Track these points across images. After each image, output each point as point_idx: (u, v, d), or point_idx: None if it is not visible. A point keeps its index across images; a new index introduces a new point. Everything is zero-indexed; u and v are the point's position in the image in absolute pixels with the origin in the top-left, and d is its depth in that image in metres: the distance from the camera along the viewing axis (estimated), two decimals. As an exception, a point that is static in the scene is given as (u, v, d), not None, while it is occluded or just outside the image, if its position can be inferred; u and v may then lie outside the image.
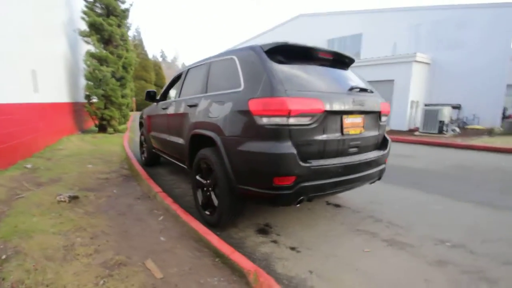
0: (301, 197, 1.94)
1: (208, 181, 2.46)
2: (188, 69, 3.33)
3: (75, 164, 4.64)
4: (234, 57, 2.35)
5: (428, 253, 2.13)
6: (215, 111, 2.29)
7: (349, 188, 2.26)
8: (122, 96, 8.27)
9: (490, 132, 9.70)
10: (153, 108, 4.27)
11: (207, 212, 2.47)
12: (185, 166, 3.13)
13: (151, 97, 4.10)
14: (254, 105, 1.92)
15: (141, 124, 5.15)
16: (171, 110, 3.35)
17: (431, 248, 2.21)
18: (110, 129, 8.41)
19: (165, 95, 4.19)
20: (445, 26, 12.55)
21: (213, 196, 2.40)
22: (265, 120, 1.87)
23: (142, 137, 4.95)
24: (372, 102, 2.37)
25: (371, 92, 2.45)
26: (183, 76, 3.41)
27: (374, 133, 2.45)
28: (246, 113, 1.96)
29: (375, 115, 2.44)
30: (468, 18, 12.01)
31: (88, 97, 7.69)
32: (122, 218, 2.55)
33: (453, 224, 2.65)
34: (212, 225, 2.39)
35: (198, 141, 2.67)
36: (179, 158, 3.26)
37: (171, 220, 2.50)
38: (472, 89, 11.77)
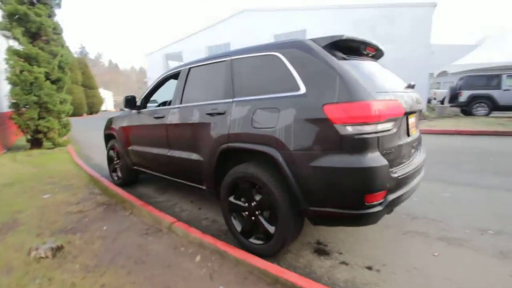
0: (386, 212, 1.73)
1: (252, 204, 2.04)
2: (189, 68, 2.76)
3: (23, 196, 3.54)
4: (278, 54, 1.96)
5: (483, 245, 2.16)
6: (266, 120, 1.88)
7: (409, 196, 2.12)
8: (61, 102, 6.79)
9: (425, 117, 11.18)
10: (132, 116, 3.50)
11: (257, 241, 2.06)
12: (201, 187, 2.60)
13: (130, 103, 3.34)
14: (334, 112, 1.60)
15: (108, 137, 4.24)
16: (173, 120, 2.74)
17: (481, 239, 2.25)
18: (47, 143, 6.86)
19: (146, 101, 3.48)
20: (380, 22, 13.91)
21: (264, 222, 2.00)
22: (350, 129, 1.57)
23: (112, 152, 4.07)
24: (419, 98, 2.28)
25: (413, 87, 2.37)
26: (181, 77, 2.82)
27: (419, 133, 2.38)
28: (322, 121, 1.63)
29: (419, 113, 2.37)
30: (397, 15, 13.54)
31: (15, 105, 6.05)
32: (145, 268, 1.94)
33: (475, 210, 2.80)
34: (264, 256, 2.00)
35: (229, 157, 2.22)
36: (190, 178, 2.70)
37: (214, 259, 2.00)
38: (401, 78, 13.43)
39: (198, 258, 2.02)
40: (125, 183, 3.93)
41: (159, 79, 3.23)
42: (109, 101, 43.41)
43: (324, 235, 2.40)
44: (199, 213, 2.98)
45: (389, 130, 1.69)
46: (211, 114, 2.30)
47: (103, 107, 31.33)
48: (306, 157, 1.69)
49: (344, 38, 1.85)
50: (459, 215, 2.68)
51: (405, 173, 1.81)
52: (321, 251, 2.16)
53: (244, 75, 2.18)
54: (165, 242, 2.29)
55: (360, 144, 1.58)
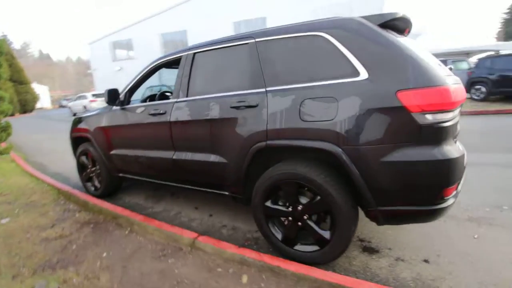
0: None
1: (299, 208, 1.79)
2: (194, 54, 2.32)
3: (-29, 225, 2.74)
4: (324, 34, 1.68)
5: (509, 220, 2.26)
6: (320, 112, 1.61)
7: None
8: (-5, 101, 5.52)
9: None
10: (114, 114, 2.90)
11: (306, 249, 1.83)
12: (221, 193, 2.25)
13: (114, 98, 2.75)
14: (411, 99, 1.40)
15: (76, 140, 3.52)
16: (179, 116, 2.29)
17: (502, 215, 2.36)
18: (-19, 153, 5.58)
19: (131, 95, 2.91)
20: (338, 11, 14.31)
21: (315, 227, 1.77)
22: (430, 118, 1.41)
23: (85, 159, 3.40)
24: None
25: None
26: (184, 65, 2.37)
27: None
28: (396, 110, 1.43)
29: None
30: (354, 3, 14.08)
31: None
32: (184, 301, 1.57)
33: (479, 186, 2.96)
34: (317, 264, 1.79)
35: (265, 157, 1.92)
36: (205, 183, 2.32)
37: (266, 278, 1.70)
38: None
39: (244, 279, 1.71)
40: (106, 194, 3.32)
41: (149, 67, 2.69)
42: (45, 98, 37.97)
43: (361, 230, 2.27)
44: (213, 221, 2.62)
45: (456, 117, 1.57)
46: (237, 108, 1.95)
47: (38, 105, 27.23)
48: (377, 152, 1.49)
49: (398, 16, 1.66)
50: (468, 193, 2.79)
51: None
52: (369, 249, 2.02)
53: (278, 60, 1.86)
54: (194, 263, 1.92)
55: (440, 134, 1.44)
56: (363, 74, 1.54)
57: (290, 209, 1.84)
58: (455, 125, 1.55)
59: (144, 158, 2.66)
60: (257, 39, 1.96)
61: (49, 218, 2.82)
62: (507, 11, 40.77)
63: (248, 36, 2.02)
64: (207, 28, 18.31)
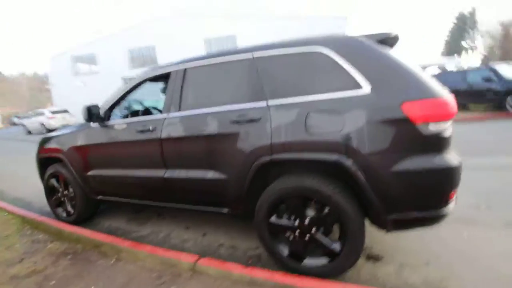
0: None
1: (306, 222, 1.76)
2: (185, 69, 2.25)
3: None
4: (324, 50, 1.73)
5: (488, 219, 2.44)
6: (327, 124, 1.63)
7: None
8: None
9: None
10: (92, 132, 2.67)
11: (316, 262, 1.79)
12: (219, 210, 2.14)
13: (94, 115, 2.54)
14: (414, 110, 1.48)
15: (44, 161, 3.17)
16: (172, 132, 2.16)
17: (481, 214, 2.55)
18: None
19: (110, 112, 2.71)
20: (301, 31, 15.14)
21: (324, 239, 1.75)
22: (432, 128, 1.49)
23: (55, 181, 3.07)
24: None
25: None
26: (174, 80, 2.28)
27: None
28: (401, 121, 1.50)
29: None
30: (316, 25, 14.98)
31: None
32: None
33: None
34: (327, 276, 1.76)
35: (267, 171, 1.88)
36: (202, 201, 2.20)
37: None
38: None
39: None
40: (80, 219, 3.00)
41: (135, 83, 2.55)
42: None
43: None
44: (208, 241, 2.48)
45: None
46: (237, 122, 1.90)
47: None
48: (386, 162, 1.53)
49: (392, 36, 1.78)
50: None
51: None
52: (373, 256, 2.04)
53: (278, 74, 1.87)
54: (200, 289, 1.77)
55: (442, 142, 1.53)
56: (366, 87, 1.60)
57: (296, 223, 1.81)
58: (451, 134, 1.66)
59: (129, 178, 2.47)
60: (255, 54, 1.96)
61: (16, 252, 2.46)
62: (452, 27, 45.99)
63: (245, 50, 2.01)
64: (176, 44, 18.14)
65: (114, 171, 2.57)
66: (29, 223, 3.03)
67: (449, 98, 1.53)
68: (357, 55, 1.66)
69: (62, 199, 3.08)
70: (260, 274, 1.74)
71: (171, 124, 2.19)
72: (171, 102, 2.25)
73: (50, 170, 3.06)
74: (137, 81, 2.55)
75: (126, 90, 2.60)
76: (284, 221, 1.86)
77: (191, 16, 18.22)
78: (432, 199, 1.56)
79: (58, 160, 3.01)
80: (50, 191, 3.15)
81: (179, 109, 2.21)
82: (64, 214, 3.09)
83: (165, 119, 2.23)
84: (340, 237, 1.72)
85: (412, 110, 1.49)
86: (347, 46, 1.71)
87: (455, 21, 45.13)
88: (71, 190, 2.98)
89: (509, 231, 2.22)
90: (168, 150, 2.21)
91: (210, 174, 2.06)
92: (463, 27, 43.37)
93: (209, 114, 2.03)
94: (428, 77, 1.59)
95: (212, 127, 2.00)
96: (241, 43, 17.27)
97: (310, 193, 1.70)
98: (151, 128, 2.26)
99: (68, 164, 2.82)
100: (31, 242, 2.64)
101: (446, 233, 2.28)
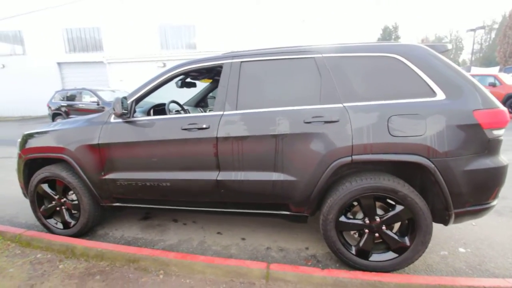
0: None
1: (377, 219, 1.88)
2: (241, 62, 2.12)
3: None
4: (399, 57, 1.86)
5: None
6: (409, 127, 1.75)
7: None
8: None
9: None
10: (114, 128, 2.30)
11: (383, 258, 1.91)
12: (280, 212, 2.10)
13: (131, 110, 2.22)
14: (483, 117, 1.71)
15: (29, 164, 2.59)
16: (231, 131, 2.00)
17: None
18: None
19: (135, 105, 2.38)
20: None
21: (394, 235, 1.89)
22: (494, 133, 1.76)
23: (47, 188, 2.54)
24: None
25: None
26: (228, 74, 2.12)
27: None
28: (473, 127, 1.72)
29: None
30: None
31: None
32: None
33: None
34: (395, 270, 1.91)
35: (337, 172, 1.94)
36: (261, 204, 2.12)
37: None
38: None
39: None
40: (85, 230, 2.56)
41: (167, 75, 2.28)
42: None
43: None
44: (252, 245, 2.39)
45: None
46: (312, 123, 1.89)
47: None
48: (459, 162, 1.73)
49: (448, 48, 2.00)
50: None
51: None
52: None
53: (352, 77, 1.92)
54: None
55: (498, 146, 1.81)
56: (440, 95, 1.78)
57: (366, 221, 1.90)
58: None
59: (170, 182, 2.21)
60: (325, 55, 1.98)
61: (16, 279, 1.97)
62: (378, 38, 52.34)
63: (312, 50, 2.01)
64: (127, 29, 16.44)
65: (145, 174, 2.26)
66: (12, 240, 2.44)
67: (505, 109, 1.82)
68: (429, 64, 1.83)
69: (57, 208, 2.57)
70: (341, 274, 1.78)
71: (230, 122, 2.04)
72: (226, 98, 2.10)
73: (41, 174, 2.51)
74: (170, 74, 2.29)
75: (157, 83, 2.31)
76: (354, 220, 1.94)
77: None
78: (487, 193, 1.83)
79: (56, 161, 2.50)
80: (38, 200, 2.59)
81: (236, 107, 2.08)
82: (60, 226, 2.59)
83: (222, 115, 2.07)
84: (410, 232, 1.88)
85: (481, 117, 1.72)
86: (419, 54, 1.86)
87: (381, 32, 51.49)
88: (73, 197, 2.52)
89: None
90: (225, 150, 2.06)
91: (275, 176, 2.00)
92: (388, 39, 49.97)
93: (278, 113, 1.97)
94: (485, 89, 1.86)
95: (282, 127, 1.94)
96: (200, 34, 16.60)
97: (387, 193, 1.81)
98: (205, 126, 2.07)
99: (75, 166, 2.36)
100: (29, 264, 2.14)
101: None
